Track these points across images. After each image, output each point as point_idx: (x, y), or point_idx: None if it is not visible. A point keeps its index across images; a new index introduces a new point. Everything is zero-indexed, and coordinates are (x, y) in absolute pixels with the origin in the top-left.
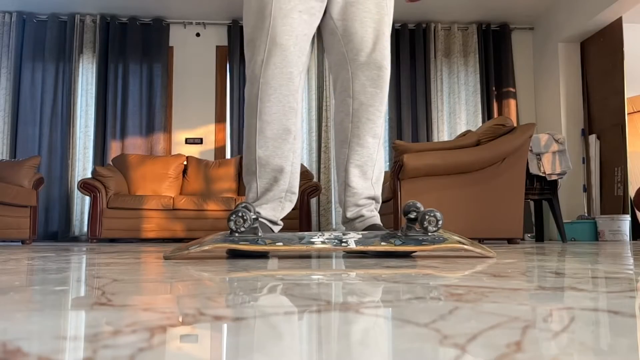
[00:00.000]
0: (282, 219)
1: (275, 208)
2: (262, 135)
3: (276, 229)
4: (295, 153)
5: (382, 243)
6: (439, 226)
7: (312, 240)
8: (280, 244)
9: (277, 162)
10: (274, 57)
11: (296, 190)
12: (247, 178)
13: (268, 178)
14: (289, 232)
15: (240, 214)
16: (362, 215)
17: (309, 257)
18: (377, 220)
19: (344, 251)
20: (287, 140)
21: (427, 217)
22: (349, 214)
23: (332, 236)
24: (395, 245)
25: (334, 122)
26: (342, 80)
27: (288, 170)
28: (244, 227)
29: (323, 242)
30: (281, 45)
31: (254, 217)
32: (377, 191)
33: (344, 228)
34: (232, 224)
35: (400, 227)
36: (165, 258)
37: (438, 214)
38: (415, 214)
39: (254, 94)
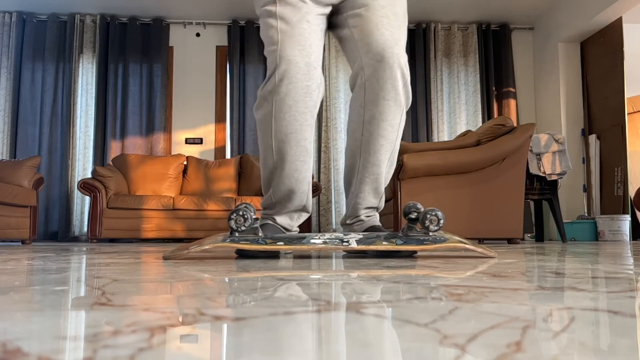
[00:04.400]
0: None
1: (292, 217)
2: (280, 156)
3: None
4: (309, 170)
5: (384, 243)
6: (440, 225)
7: (312, 240)
8: (281, 243)
9: (293, 185)
10: (287, 72)
11: (310, 203)
12: (264, 189)
13: (283, 195)
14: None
15: (241, 213)
16: (361, 220)
17: (309, 257)
18: (376, 221)
19: (345, 251)
20: (305, 162)
21: (428, 216)
22: (349, 220)
23: (333, 237)
24: (396, 244)
25: (348, 128)
26: (358, 85)
27: (305, 190)
28: (244, 226)
29: (324, 242)
30: (293, 59)
31: (254, 216)
32: (382, 202)
33: (343, 228)
34: (232, 222)
35: (401, 229)
36: (165, 258)
37: (439, 213)
38: (416, 214)
39: (268, 111)
